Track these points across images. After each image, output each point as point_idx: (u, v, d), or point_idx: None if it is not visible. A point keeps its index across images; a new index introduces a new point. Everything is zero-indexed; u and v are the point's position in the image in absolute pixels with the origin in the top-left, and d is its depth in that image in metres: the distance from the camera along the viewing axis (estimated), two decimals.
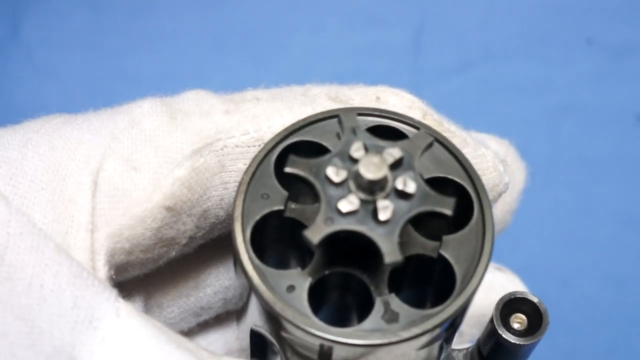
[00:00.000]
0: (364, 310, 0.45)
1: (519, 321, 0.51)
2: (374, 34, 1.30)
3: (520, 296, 0.51)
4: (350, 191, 0.44)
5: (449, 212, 0.44)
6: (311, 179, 0.44)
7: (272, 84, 0.54)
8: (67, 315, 0.41)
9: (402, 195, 0.44)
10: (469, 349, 0.55)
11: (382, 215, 0.43)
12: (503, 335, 0.51)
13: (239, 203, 0.45)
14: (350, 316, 0.51)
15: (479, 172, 0.48)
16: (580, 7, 1.32)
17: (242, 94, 0.52)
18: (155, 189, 0.48)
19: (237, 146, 0.50)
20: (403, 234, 0.43)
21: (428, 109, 0.52)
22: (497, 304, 0.51)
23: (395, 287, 0.45)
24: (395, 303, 0.44)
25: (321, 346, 0.43)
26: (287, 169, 0.45)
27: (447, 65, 1.29)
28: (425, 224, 0.46)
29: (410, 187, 0.44)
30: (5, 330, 0.41)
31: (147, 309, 0.55)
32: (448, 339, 0.48)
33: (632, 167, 1.25)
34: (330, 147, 0.46)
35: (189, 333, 0.60)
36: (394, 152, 0.44)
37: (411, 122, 0.48)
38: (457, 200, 0.45)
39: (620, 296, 1.20)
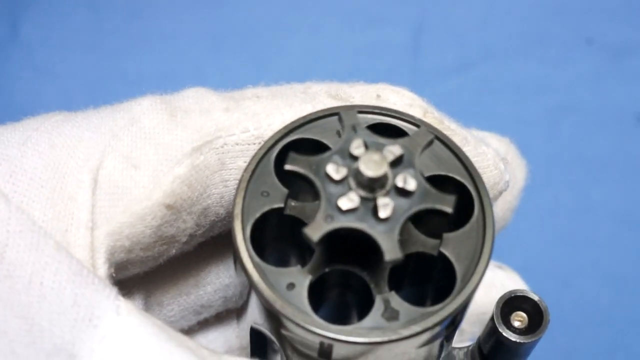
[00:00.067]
0: (364, 308, 0.45)
1: (519, 319, 0.51)
2: (373, 34, 1.30)
3: (521, 294, 0.51)
4: (350, 189, 0.43)
5: (449, 209, 0.44)
6: (311, 176, 0.44)
7: (271, 83, 0.54)
8: (67, 313, 0.41)
9: (403, 192, 0.44)
10: (470, 347, 0.55)
11: (382, 213, 0.43)
12: (503, 334, 0.51)
13: (239, 201, 0.45)
14: (350, 314, 0.51)
15: (480, 170, 0.48)
16: (580, 7, 1.32)
17: (242, 91, 0.52)
18: (155, 186, 0.48)
19: (237, 144, 0.50)
20: (403, 231, 0.43)
21: (429, 106, 0.52)
22: (498, 302, 0.51)
23: (396, 284, 0.45)
24: (396, 301, 0.44)
25: (321, 344, 0.43)
26: (287, 167, 0.45)
27: (447, 65, 1.29)
28: (425, 221, 0.46)
29: (411, 185, 0.44)
30: (5, 328, 0.40)
31: (147, 307, 0.55)
32: (448, 337, 0.48)
33: (632, 167, 1.25)
34: (330, 145, 0.46)
35: (189, 331, 0.60)
36: (394, 149, 0.44)
37: (412, 120, 0.48)
38: (457, 198, 0.45)
39: (619, 296, 1.20)
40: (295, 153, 0.45)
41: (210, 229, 0.52)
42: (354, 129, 0.47)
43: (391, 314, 0.43)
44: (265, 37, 1.29)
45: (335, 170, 0.44)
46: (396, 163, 0.44)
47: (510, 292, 0.51)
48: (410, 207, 0.44)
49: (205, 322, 0.60)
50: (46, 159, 0.47)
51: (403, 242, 0.43)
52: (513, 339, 0.50)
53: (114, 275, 0.48)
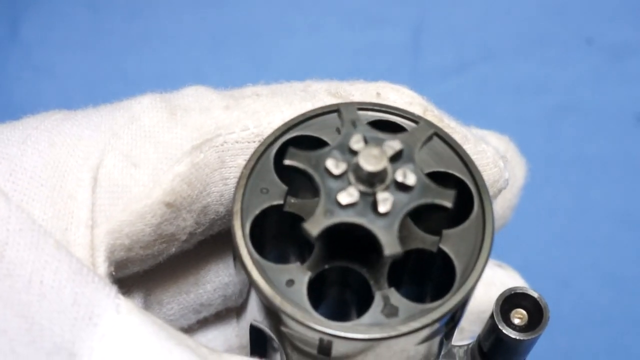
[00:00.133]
0: (363, 304, 0.44)
1: (519, 316, 0.51)
2: (373, 34, 1.30)
3: (521, 291, 0.51)
4: (349, 183, 0.43)
5: (449, 204, 0.44)
6: (310, 171, 0.44)
7: (271, 82, 0.54)
8: (67, 312, 0.41)
9: (402, 187, 0.44)
10: (470, 345, 0.55)
11: (382, 208, 0.43)
12: (503, 331, 0.51)
13: (239, 197, 0.45)
14: (349, 310, 0.51)
15: (479, 168, 0.48)
16: (580, 7, 1.32)
17: (242, 89, 0.52)
18: (155, 185, 0.48)
19: (237, 142, 0.50)
20: (403, 227, 0.43)
21: (428, 104, 0.52)
22: (498, 299, 0.51)
23: (395, 281, 0.45)
24: (395, 297, 0.44)
25: (320, 340, 0.43)
26: (287, 162, 0.45)
27: (447, 65, 1.29)
28: (425, 218, 0.46)
29: (410, 180, 0.44)
30: (5, 327, 0.40)
31: (147, 306, 0.55)
32: (448, 335, 0.48)
33: (632, 167, 1.25)
34: (329, 142, 0.46)
35: (189, 330, 0.60)
36: (393, 144, 0.44)
37: (411, 117, 0.48)
38: (457, 194, 0.45)
39: (619, 296, 1.20)
40: (294, 148, 0.45)
41: (210, 227, 0.52)
42: (354, 124, 0.47)
43: (390, 311, 0.43)
44: (265, 37, 1.29)
45: (334, 165, 0.44)
46: (396, 158, 0.44)
47: (510, 289, 0.51)
48: (410, 201, 0.44)
49: (205, 320, 0.60)
50: (46, 157, 0.47)
51: (403, 238, 0.43)
52: (513, 336, 0.50)
53: (113, 273, 0.48)
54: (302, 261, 0.45)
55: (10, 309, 0.41)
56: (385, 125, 0.48)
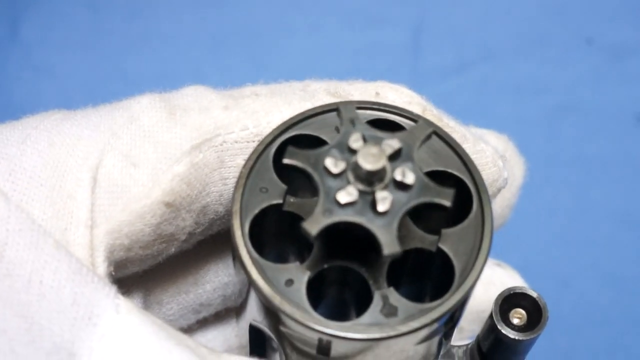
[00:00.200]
0: (362, 304, 0.44)
1: (518, 316, 0.51)
2: (373, 34, 1.30)
3: (520, 291, 0.51)
4: (348, 182, 0.43)
5: (448, 203, 0.44)
6: (309, 170, 0.44)
7: (271, 82, 0.54)
8: (67, 312, 0.41)
9: (401, 186, 0.44)
10: (469, 345, 0.55)
11: (381, 207, 0.43)
12: (502, 331, 0.51)
13: (238, 197, 0.45)
14: (348, 310, 0.51)
15: (479, 168, 0.48)
16: (580, 7, 1.32)
17: (241, 89, 0.52)
18: (154, 184, 0.48)
19: (236, 142, 0.50)
20: (402, 227, 0.43)
21: (427, 104, 0.52)
22: (497, 299, 0.51)
23: (394, 281, 0.45)
24: (394, 297, 0.44)
25: (319, 340, 0.43)
26: (286, 160, 0.45)
27: (446, 65, 1.29)
28: (424, 217, 0.46)
29: (409, 178, 0.44)
30: (5, 326, 0.40)
31: (146, 306, 0.55)
32: (447, 334, 0.48)
33: (632, 167, 1.25)
34: (328, 141, 0.46)
35: (189, 330, 0.60)
36: (392, 143, 0.44)
37: (410, 116, 0.48)
38: (455, 193, 0.45)
39: (619, 296, 1.20)
40: (293, 147, 0.45)
41: (210, 227, 0.52)
42: (353, 123, 0.47)
43: (390, 310, 0.43)
44: (265, 37, 1.29)
45: (333, 163, 0.44)
46: (395, 156, 0.44)
47: (509, 289, 0.51)
48: (409, 200, 0.44)
49: (204, 320, 0.60)
50: (45, 157, 0.47)
51: (402, 238, 0.43)
52: (512, 336, 0.50)
53: (113, 273, 0.48)
54: (302, 261, 0.45)
55: (9, 308, 0.41)
56: (384, 124, 0.48)
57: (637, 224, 1.23)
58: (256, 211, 0.45)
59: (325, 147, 0.45)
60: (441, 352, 0.49)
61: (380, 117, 0.48)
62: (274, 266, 0.44)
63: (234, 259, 0.46)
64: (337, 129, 0.47)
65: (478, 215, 0.46)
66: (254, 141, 0.50)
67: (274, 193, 0.46)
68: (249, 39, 1.28)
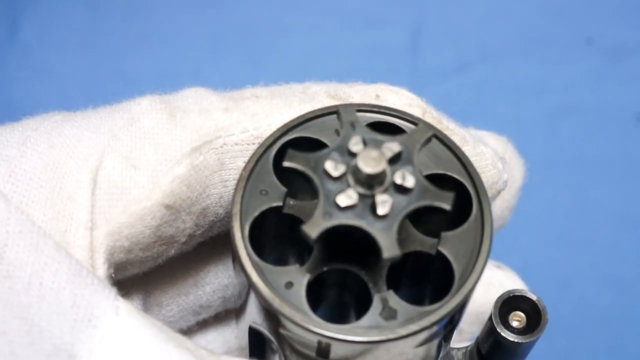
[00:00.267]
0: (362, 307, 0.45)
1: (517, 319, 0.51)
2: (372, 35, 1.30)
3: (519, 294, 0.51)
4: (348, 185, 0.43)
5: (447, 206, 0.44)
6: (309, 173, 0.44)
7: (271, 83, 0.54)
8: (67, 314, 0.41)
9: (401, 189, 0.44)
10: (468, 348, 0.55)
11: (381, 210, 0.43)
12: (502, 334, 0.51)
13: (238, 199, 0.45)
14: (348, 313, 0.51)
15: (478, 170, 0.48)
16: (580, 7, 1.32)
17: (241, 91, 0.52)
18: (154, 186, 0.48)
19: (236, 144, 0.50)
20: (402, 230, 0.43)
21: (427, 106, 0.52)
22: (496, 302, 0.51)
23: (394, 283, 0.45)
24: (394, 300, 0.44)
25: (319, 343, 0.43)
26: (286, 163, 0.45)
27: (446, 65, 1.29)
28: (423, 220, 0.46)
29: (409, 182, 0.44)
30: (5, 328, 0.40)
31: (146, 308, 0.55)
32: (446, 337, 0.48)
33: (632, 168, 1.25)
34: (328, 143, 0.46)
35: (188, 332, 0.60)
36: (392, 146, 0.44)
37: (410, 119, 0.48)
38: (455, 196, 0.45)
39: (619, 297, 1.20)
40: (293, 150, 0.45)
41: (210, 229, 0.52)
42: (353, 126, 0.47)
43: (389, 313, 0.43)
44: (264, 38, 1.29)
45: (333, 167, 0.44)
46: (395, 160, 0.44)
47: (509, 291, 0.51)
48: (409, 204, 0.44)
49: (204, 322, 0.60)
50: (45, 159, 0.47)
51: (401, 240, 0.43)
52: (511, 339, 0.50)
53: (113, 275, 0.48)
54: (301, 263, 0.45)
55: (9, 310, 0.41)
56: (384, 127, 0.48)
57: (637, 225, 1.23)
58: (256, 214, 0.45)
59: (325, 150, 0.45)
60: (440, 355, 0.49)
61: (381, 120, 0.48)
62: (274, 268, 0.44)
63: (233, 261, 0.46)
64: (337, 132, 0.47)
65: (478, 218, 0.46)
66: (254, 143, 0.50)
67: (274, 195, 0.46)
68: (248, 39, 1.28)
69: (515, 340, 0.50)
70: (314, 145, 0.47)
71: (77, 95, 1.23)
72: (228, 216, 0.51)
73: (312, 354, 0.44)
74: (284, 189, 0.46)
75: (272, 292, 0.43)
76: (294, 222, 0.45)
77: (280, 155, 0.46)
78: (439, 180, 0.46)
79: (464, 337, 0.67)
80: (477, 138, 0.53)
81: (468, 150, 0.51)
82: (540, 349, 0.54)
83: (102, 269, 0.46)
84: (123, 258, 0.48)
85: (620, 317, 1.19)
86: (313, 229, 0.42)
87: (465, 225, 0.46)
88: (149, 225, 0.48)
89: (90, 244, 0.46)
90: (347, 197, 0.43)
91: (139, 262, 0.50)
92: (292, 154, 0.45)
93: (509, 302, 0.51)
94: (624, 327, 1.19)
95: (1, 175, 0.46)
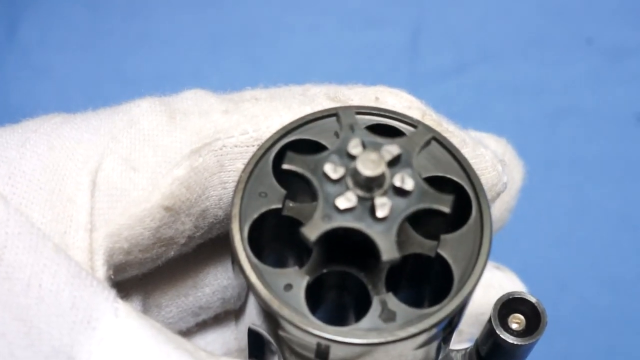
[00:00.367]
0: (361, 309, 0.45)
1: (517, 321, 0.51)
2: (371, 35, 1.30)
3: (519, 296, 0.51)
4: (348, 188, 0.43)
5: (447, 209, 0.44)
6: (309, 175, 0.44)
7: (270, 84, 0.54)
8: (66, 316, 0.41)
9: (400, 192, 0.44)
10: (467, 350, 0.55)
11: (380, 213, 0.43)
12: (501, 336, 0.51)
13: (237, 201, 0.45)
14: (347, 315, 0.51)
15: (478, 172, 0.48)
16: (580, 7, 1.32)
17: (241, 93, 0.52)
18: (154, 188, 0.48)
19: (236, 146, 0.50)
20: (401, 232, 0.43)
21: (427, 109, 0.52)
22: (495, 304, 0.51)
23: (393, 286, 0.45)
24: (393, 302, 0.44)
25: (318, 345, 0.43)
26: (285, 166, 0.45)
27: (445, 66, 1.29)
28: (423, 222, 0.46)
29: (408, 184, 0.44)
30: (4, 330, 0.41)
31: (146, 309, 0.55)
32: (446, 339, 0.48)
33: (632, 168, 1.25)
34: (328, 146, 0.46)
35: (188, 333, 0.60)
36: (392, 149, 0.44)
37: (410, 121, 0.48)
38: (455, 199, 0.45)
39: (618, 298, 1.20)
40: (293, 152, 0.46)
41: (209, 230, 0.52)
42: (352, 128, 0.47)
43: (388, 315, 0.43)
44: (263, 38, 1.29)
45: (332, 169, 0.44)
46: (394, 162, 0.44)
47: (508, 294, 0.51)
48: (408, 206, 0.44)
49: (203, 323, 0.60)
50: (45, 160, 0.47)
51: (400, 243, 0.43)
52: (510, 341, 0.50)
53: (112, 277, 0.48)
54: (300, 265, 0.45)
55: (8, 312, 0.41)
56: (384, 130, 0.48)
57: (637, 225, 1.23)
58: (255, 215, 0.45)
59: (325, 153, 0.45)
60: (440, 357, 0.49)
61: (380, 123, 0.48)
62: (273, 270, 0.44)
63: (233, 263, 0.46)
64: (337, 134, 0.47)
65: (477, 221, 0.46)
66: (253, 145, 0.50)
67: (273, 198, 0.46)
68: (247, 40, 1.28)
69: (515, 343, 0.50)
70: (313, 147, 0.47)
71: (76, 96, 1.23)
72: (227, 218, 0.51)
73: (311, 355, 0.44)
74: (283, 191, 0.46)
75: (271, 294, 0.43)
76: (293, 225, 0.45)
77: (279, 158, 0.46)
78: (438, 183, 0.46)
79: (464, 337, 0.67)
80: (477, 140, 0.53)
81: (467, 152, 0.51)
82: (539, 349, 0.54)
83: (101, 271, 0.46)
84: (122, 260, 0.48)
85: (619, 317, 1.19)
86: (312, 232, 0.42)
87: (465, 228, 0.46)
88: (149, 227, 0.48)
89: (89, 245, 0.46)
90: (346, 200, 0.43)
91: (138, 263, 0.50)
92: (291, 156, 0.45)
93: (508, 305, 0.51)
94: (623, 327, 1.19)
95: (1, 176, 0.46)
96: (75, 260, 0.43)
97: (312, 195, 0.44)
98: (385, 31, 1.30)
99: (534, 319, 0.51)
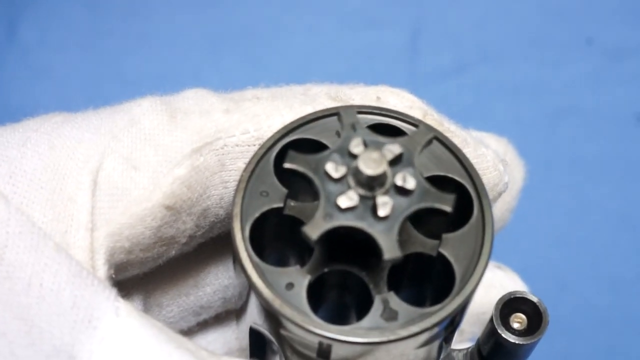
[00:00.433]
0: (362, 308, 0.45)
1: (518, 321, 0.51)
2: (371, 36, 1.30)
3: (520, 296, 0.51)
4: (349, 187, 0.43)
5: (448, 208, 0.44)
6: (310, 174, 0.44)
7: (270, 84, 0.54)
8: (67, 315, 0.41)
9: (402, 191, 0.44)
10: (469, 349, 0.55)
11: (382, 212, 0.43)
12: (503, 335, 0.51)
13: (238, 200, 0.45)
14: (349, 314, 0.51)
15: (479, 172, 0.48)
16: (580, 7, 1.32)
17: (242, 92, 0.52)
18: (155, 187, 0.48)
19: (237, 145, 0.50)
20: (402, 231, 0.43)
21: (428, 108, 0.52)
22: (497, 303, 0.51)
23: (395, 285, 0.45)
24: (394, 301, 0.44)
25: (320, 344, 0.43)
26: (286, 165, 0.45)
27: (445, 66, 1.29)
28: (424, 222, 0.46)
29: (410, 183, 0.44)
30: (5, 329, 0.40)
31: (147, 308, 0.55)
32: (447, 339, 0.48)
33: (632, 168, 1.25)
34: (329, 145, 0.46)
35: (189, 332, 0.60)
36: (393, 148, 0.44)
37: (411, 121, 0.48)
38: (456, 198, 0.45)
39: (619, 298, 1.20)
40: (294, 152, 0.45)
41: (210, 230, 0.52)
42: (354, 127, 0.47)
43: (390, 315, 0.43)
44: (263, 38, 1.29)
45: (334, 168, 0.44)
46: (395, 162, 0.44)
47: (510, 293, 0.51)
48: (410, 205, 0.44)
49: (204, 323, 0.60)
50: (46, 160, 0.47)
51: (402, 242, 0.43)
52: (512, 341, 0.50)
53: (113, 276, 0.48)
54: (302, 264, 0.45)
55: (9, 311, 0.41)
56: (385, 129, 0.48)
57: (637, 225, 1.23)
58: (257, 215, 0.45)
59: (326, 152, 0.45)
60: (441, 356, 0.50)
61: (381, 122, 0.48)
62: (275, 269, 0.44)
63: (234, 262, 0.46)
64: (338, 134, 0.47)
65: (479, 220, 0.46)
66: (254, 145, 0.50)
67: (275, 197, 0.46)
68: (247, 40, 1.28)
69: (516, 342, 0.50)
70: (314, 146, 0.47)
71: (76, 96, 1.23)
72: (229, 217, 0.51)
73: (313, 355, 0.44)
74: (284, 190, 0.46)
75: (272, 293, 0.43)
76: (295, 224, 0.45)
77: (281, 157, 0.46)
78: (439, 182, 0.46)
79: (465, 337, 0.67)
80: (478, 140, 0.53)
81: (469, 152, 0.51)
82: (540, 349, 0.54)
83: (102, 270, 0.46)
84: (123, 259, 0.48)
85: (619, 317, 1.19)
86: (314, 231, 0.42)
87: (466, 227, 0.46)
88: (150, 226, 0.48)
89: (90, 245, 0.46)
90: (348, 199, 0.43)
91: (140, 262, 0.50)
92: (292, 156, 0.45)
93: (510, 304, 0.51)
94: (623, 327, 1.19)
95: (1, 176, 0.46)
96: (76, 260, 0.43)
97: (314, 195, 0.44)
98: (385, 31, 1.30)
99: (536, 318, 0.51)
